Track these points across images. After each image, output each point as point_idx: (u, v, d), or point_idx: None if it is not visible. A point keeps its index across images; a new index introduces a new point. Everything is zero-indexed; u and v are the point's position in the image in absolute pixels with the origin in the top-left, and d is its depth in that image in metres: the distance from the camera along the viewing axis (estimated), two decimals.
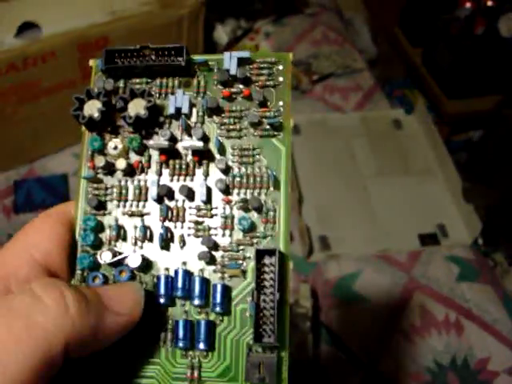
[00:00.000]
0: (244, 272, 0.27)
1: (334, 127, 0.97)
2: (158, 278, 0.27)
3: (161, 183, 0.28)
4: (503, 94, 1.21)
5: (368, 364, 0.71)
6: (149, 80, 0.29)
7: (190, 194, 0.28)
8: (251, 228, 0.27)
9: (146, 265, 0.27)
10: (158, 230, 0.27)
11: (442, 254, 0.82)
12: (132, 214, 0.28)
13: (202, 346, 0.26)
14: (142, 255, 0.27)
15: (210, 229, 0.27)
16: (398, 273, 0.79)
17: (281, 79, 0.29)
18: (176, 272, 0.27)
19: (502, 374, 0.70)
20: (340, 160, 0.93)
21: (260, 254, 0.25)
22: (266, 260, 0.25)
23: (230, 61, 0.28)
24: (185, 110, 0.28)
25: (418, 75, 1.29)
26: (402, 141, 0.96)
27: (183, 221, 0.28)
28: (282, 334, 0.25)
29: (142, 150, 0.28)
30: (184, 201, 0.28)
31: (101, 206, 0.28)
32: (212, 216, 0.28)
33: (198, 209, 0.28)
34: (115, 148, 0.29)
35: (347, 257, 0.80)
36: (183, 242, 0.28)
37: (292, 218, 0.88)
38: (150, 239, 0.28)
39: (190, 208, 0.28)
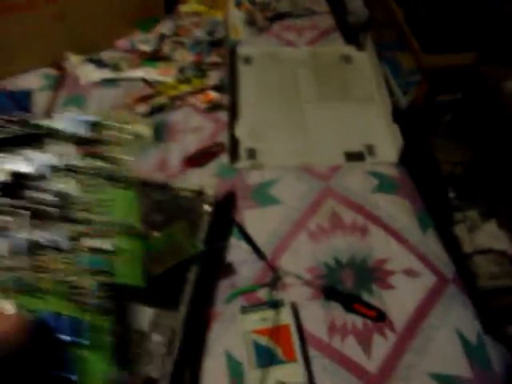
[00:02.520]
0: None
1: (283, 59, 1.01)
2: None
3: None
4: (479, 51, 1.21)
5: (271, 257, 0.73)
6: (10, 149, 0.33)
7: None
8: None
9: None
10: None
11: (364, 169, 0.84)
12: None
13: None
14: None
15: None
16: (316, 181, 0.82)
17: (126, 137, 0.33)
18: None
19: (397, 274, 0.71)
20: (284, 86, 0.97)
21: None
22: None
23: (81, 124, 0.32)
24: (44, 171, 0.32)
25: (401, 33, 1.31)
26: (348, 73, 0.99)
27: None
28: None
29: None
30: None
31: None
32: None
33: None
34: None
35: (271, 166, 0.84)
36: None
37: (225, 133, 0.91)
38: None
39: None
